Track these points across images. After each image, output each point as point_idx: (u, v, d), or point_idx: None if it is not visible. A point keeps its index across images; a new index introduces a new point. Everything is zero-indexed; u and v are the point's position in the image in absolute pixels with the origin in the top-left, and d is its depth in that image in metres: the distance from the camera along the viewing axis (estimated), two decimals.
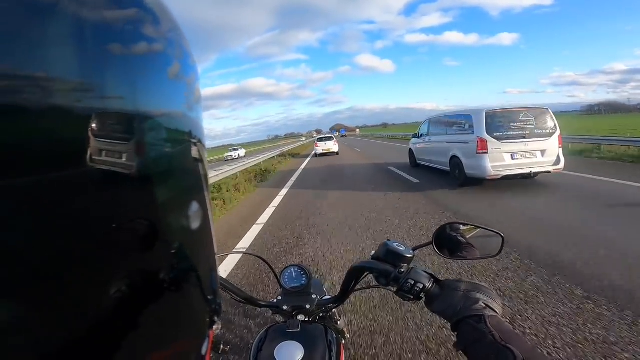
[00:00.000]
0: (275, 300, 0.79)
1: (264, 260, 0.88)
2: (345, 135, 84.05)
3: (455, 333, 0.49)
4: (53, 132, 0.17)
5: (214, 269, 0.31)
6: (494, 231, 0.64)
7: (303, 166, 12.68)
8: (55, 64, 0.17)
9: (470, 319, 0.47)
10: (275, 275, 0.85)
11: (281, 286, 0.81)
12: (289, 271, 0.83)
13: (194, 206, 0.27)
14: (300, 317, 0.75)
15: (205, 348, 0.29)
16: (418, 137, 8.45)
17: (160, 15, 0.23)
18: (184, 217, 0.26)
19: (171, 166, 0.24)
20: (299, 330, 0.68)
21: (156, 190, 0.22)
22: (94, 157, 0.18)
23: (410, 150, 9.06)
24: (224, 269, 2.88)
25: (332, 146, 17.39)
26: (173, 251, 0.24)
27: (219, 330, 0.37)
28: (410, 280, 0.57)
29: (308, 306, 0.76)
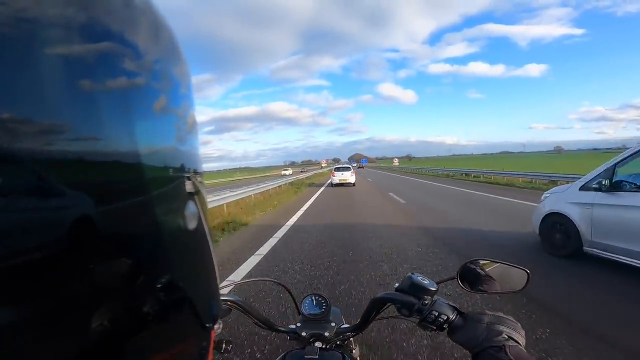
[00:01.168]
0: (294, 327, 0.78)
1: (285, 288, 0.90)
2: (363, 167, 78.03)
3: None
4: (19, 177, 0.16)
5: (213, 272, 0.32)
6: (519, 267, 0.64)
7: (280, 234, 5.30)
8: (20, 104, 0.16)
9: (491, 349, 0.49)
10: (295, 303, 0.88)
11: (300, 313, 0.82)
12: (309, 299, 0.82)
13: (191, 224, 0.27)
14: (318, 344, 0.74)
15: (207, 348, 0.31)
16: (617, 187, 3.02)
17: (144, 47, 0.22)
18: (182, 234, 0.26)
19: (162, 201, 0.24)
20: (317, 357, 0.69)
21: (150, 222, 0.22)
22: (77, 204, 0.18)
23: (565, 217, 3.52)
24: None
25: (349, 177, 16.69)
26: (172, 258, 0.25)
27: (220, 330, 0.41)
28: (434, 312, 0.59)
29: (327, 334, 0.75)
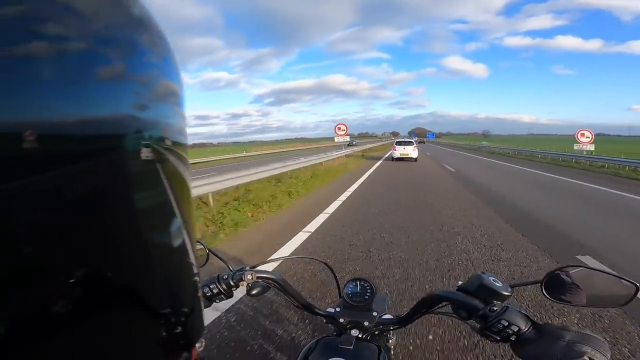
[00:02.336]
0: (333, 311, 0.74)
1: (329, 267, 0.85)
2: (424, 142, 71.65)
3: None
4: None
5: (194, 285, 0.30)
6: (625, 279, 0.54)
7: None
8: None
9: None
10: (338, 285, 0.84)
11: (341, 296, 0.77)
12: (353, 283, 0.78)
13: (159, 216, 0.25)
14: (354, 332, 0.70)
15: None
16: None
17: (91, 12, 0.21)
18: (147, 228, 0.24)
19: (101, 173, 0.22)
20: (351, 348, 0.65)
21: (91, 204, 0.20)
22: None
23: None
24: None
25: (411, 152, 16.13)
26: (144, 269, 0.23)
27: (202, 348, 0.39)
28: (503, 321, 0.52)
29: (366, 323, 0.70)
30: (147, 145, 0.24)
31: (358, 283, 0.77)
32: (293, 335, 1.95)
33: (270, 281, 0.72)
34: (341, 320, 0.71)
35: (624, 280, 0.54)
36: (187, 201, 0.28)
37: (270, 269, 0.84)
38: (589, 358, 0.44)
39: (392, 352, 0.83)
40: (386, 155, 20.02)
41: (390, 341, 0.89)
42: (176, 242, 0.26)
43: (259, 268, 0.74)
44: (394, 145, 17.34)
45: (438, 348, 1.81)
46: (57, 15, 0.19)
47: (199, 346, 0.35)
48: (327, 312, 0.75)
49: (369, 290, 0.75)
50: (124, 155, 0.23)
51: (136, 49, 0.24)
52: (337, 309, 0.74)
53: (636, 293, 0.53)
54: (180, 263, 0.28)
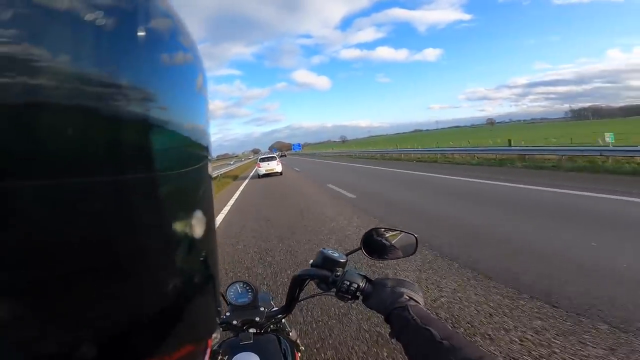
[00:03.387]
0: (224, 317, 0.78)
1: None
2: (285, 155, 63.64)
3: (388, 324, 0.55)
4: (86, 135, 0.16)
5: (216, 276, 0.30)
6: (409, 232, 0.72)
7: None
8: (124, 71, 0.17)
9: (397, 309, 0.54)
10: (220, 293, 0.75)
11: (228, 303, 0.81)
12: (234, 287, 0.82)
13: (202, 218, 0.26)
14: (252, 331, 0.76)
15: (203, 357, 0.30)
16: None
17: (184, 27, 0.23)
18: (192, 227, 0.25)
19: (189, 181, 0.23)
20: (252, 341, 0.70)
21: (169, 202, 0.22)
22: (124, 166, 0.18)
23: None
24: None
25: (276, 166, 16.46)
26: (179, 260, 0.24)
27: (218, 339, 0.39)
28: (346, 282, 0.62)
29: (257, 319, 0.76)
30: (210, 161, 0.26)
31: (238, 286, 0.82)
32: None
33: None
34: (234, 322, 0.75)
35: (410, 234, 0.71)
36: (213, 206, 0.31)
37: None
38: (408, 296, 0.55)
39: (301, 347, 0.89)
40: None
41: (291, 334, 0.92)
42: (207, 243, 0.27)
43: None
44: (258, 162, 17.19)
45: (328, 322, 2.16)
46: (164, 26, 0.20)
47: (214, 337, 0.30)
48: (220, 319, 0.76)
49: (250, 291, 0.80)
50: (202, 167, 0.24)
51: (202, 63, 0.25)
52: (227, 314, 0.78)
53: (417, 240, 0.71)
54: (208, 258, 0.28)
